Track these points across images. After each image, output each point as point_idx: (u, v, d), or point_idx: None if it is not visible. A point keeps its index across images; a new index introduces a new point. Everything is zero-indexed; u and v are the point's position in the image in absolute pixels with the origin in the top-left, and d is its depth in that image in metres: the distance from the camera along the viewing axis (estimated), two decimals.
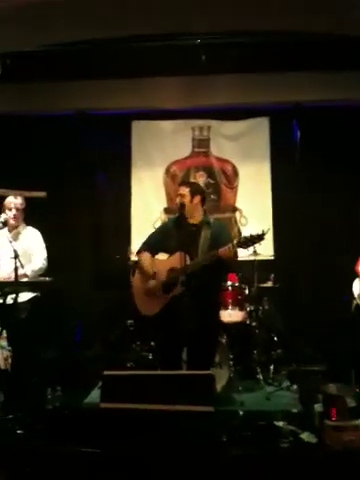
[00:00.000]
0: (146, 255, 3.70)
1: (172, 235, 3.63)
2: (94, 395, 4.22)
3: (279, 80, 5.59)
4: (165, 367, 3.53)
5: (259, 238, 3.29)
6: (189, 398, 2.79)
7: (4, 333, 4.18)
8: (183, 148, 5.92)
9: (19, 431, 3.47)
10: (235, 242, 3.35)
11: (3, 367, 4.49)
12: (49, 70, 5.39)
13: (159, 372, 3.20)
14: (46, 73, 5.47)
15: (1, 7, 3.72)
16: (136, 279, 3.76)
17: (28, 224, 4.33)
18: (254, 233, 3.30)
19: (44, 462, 2.93)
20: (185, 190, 3.65)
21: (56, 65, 5.25)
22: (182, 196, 3.62)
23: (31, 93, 5.78)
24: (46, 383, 4.15)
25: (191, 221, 3.63)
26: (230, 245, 3.32)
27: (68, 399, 4.11)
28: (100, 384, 4.10)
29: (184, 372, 3.01)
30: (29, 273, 4.03)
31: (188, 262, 3.38)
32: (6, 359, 4.53)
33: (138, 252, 3.80)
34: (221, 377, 4.16)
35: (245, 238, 3.32)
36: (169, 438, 2.81)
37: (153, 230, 4.00)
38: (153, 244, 3.72)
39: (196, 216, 3.66)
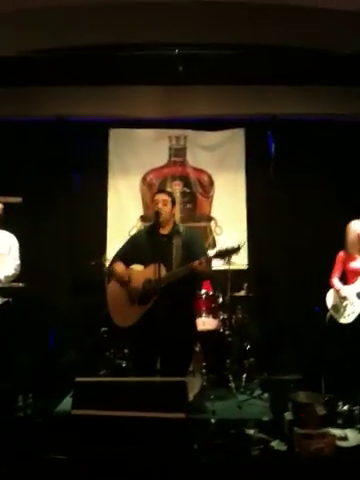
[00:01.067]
0: (120, 264, 3.66)
1: (144, 246, 3.61)
2: (66, 402, 4.18)
3: (256, 93, 5.69)
4: (139, 376, 3.51)
5: (234, 251, 3.32)
6: (161, 405, 2.80)
7: None
8: (160, 157, 5.97)
9: None
10: (211, 254, 3.38)
11: None
12: (29, 76, 5.38)
13: (131, 379, 3.20)
14: (25, 79, 5.46)
15: None
16: (111, 290, 3.71)
17: (3, 229, 4.29)
18: (230, 246, 3.33)
19: (15, 468, 2.91)
20: (167, 198, 3.65)
21: (36, 71, 5.24)
22: (165, 202, 3.61)
23: (10, 98, 5.75)
24: (18, 390, 4.11)
25: (163, 231, 3.61)
26: (203, 259, 3.33)
27: (40, 406, 4.07)
28: (73, 391, 4.13)
29: (156, 379, 3.02)
30: (1, 278, 4.00)
31: (163, 273, 3.38)
32: None
33: (111, 264, 3.77)
34: (194, 385, 4.17)
35: (220, 250, 3.34)
36: (141, 445, 2.81)
37: (127, 239, 3.97)
38: (125, 256, 3.67)
39: (168, 226, 3.66)
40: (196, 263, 3.32)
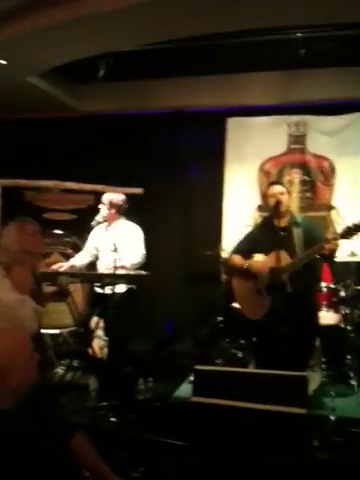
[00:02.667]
0: (238, 257, 3.65)
1: (262, 239, 3.57)
2: (183, 388, 4.27)
3: None
4: (259, 367, 3.49)
5: None
6: (281, 399, 2.75)
7: (101, 323, 4.37)
8: (278, 145, 5.79)
9: (112, 419, 3.62)
10: (339, 232, 3.25)
11: (99, 355, 4.69)
12: (146, 69, 5.52)
13: (251, 370, 3.18)
14: (142, 72, 5.61)
15: (101, 10, 3.85)
16: (237, 284, 3.70)
17: (128, 220, 4.46)
18: (357, 221, 3.20)
19: (135, 450, 3.02)
20: (284, 189, 3.62)
21: (152, 63, 5.36)
22: (282, 193, 3.56)
23: (129, 92, 5.96)
24: (139, 373, 4.26)
25: (281, 223, 3.54)
26: (331, 237, 3.23)
27: (159, 390, 4.20)
28: (190, 378, 4.21)
29: (278, 372, 2.96)
30: (128, 266, 4.14)
31: (288, 261, 3.31)
32: (102, 348, 4.73)
33: (229, 258, 3.79)
34: (313, 380, 4.03)
35: (348, 228, 3.21)
36: (258, 437, 2.79)
37: (245, 228, 3.95)
38: (243, 250, 3.66)
39: (286, 218, 3.59)
40: (325, 243, 3.21)
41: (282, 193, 3.56)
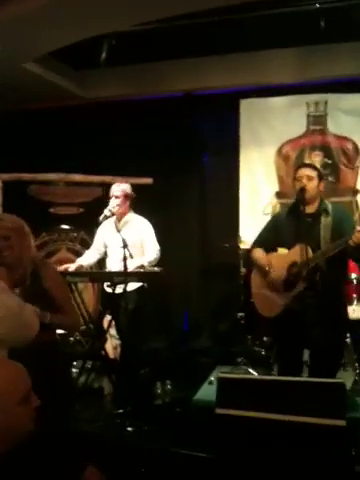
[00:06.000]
0: (260, 251, 3.33)
1: (287, 227, 3.23)
2: (204, 391, 4.01)
3: None
4: (285, 370, 3.20)
5: None
6: (316, 409, 2.45)
7: (113, 322, 4.14)
8: (296, 126, 5.43)
9: (129, 428, 3.40)
10: None
11: (112, 356, 4.49)
12: (152, 50, 5.19)
13: (281, 377, 2.89)
14: (149, 54, 5.29)
15: None
16: (254, 279, 3.41)
17: (136, 212, 4.21)
18: None
19: (154, 463, 2.79)
20: (313, 173, 3.20)
21: (159, 44, 5.03)
22: (309, 178, 3.16)
23: (135, 76, 5.64)
24: (155, 375, 4.06)
25: (308, 210, 3.20)
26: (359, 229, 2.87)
27: (178, 393, 3.97)
28: (210, 378, 3.97)
29: (311, 379, 2.67)
30: (145, 263, 3.92)
31: (309, 255, 2.98)
32: (115, 348, 4.52)
33: (250, 250, 3.46)
34: (345, 380, 3.74)
35: None
36: (290, 451, 2.51)
37: (263, 217, 3.63)
38: (266, 240, 3.34)
39: (315, 204, 3.22)
40: (349, 237, 2.86)
41: (310, 178, 3.17)
